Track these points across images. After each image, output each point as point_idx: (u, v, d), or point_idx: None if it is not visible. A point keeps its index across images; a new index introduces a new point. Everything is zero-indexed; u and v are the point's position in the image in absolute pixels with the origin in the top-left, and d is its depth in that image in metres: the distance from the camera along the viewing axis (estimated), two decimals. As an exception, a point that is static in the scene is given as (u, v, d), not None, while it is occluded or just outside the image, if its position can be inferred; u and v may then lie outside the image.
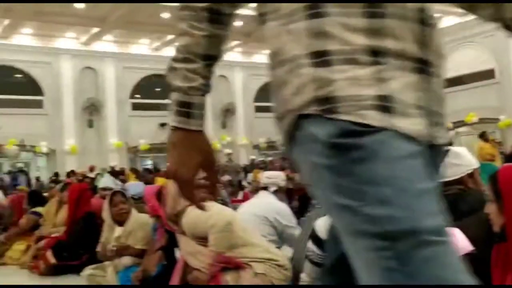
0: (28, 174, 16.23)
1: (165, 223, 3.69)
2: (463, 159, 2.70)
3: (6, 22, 17.21)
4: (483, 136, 11.19)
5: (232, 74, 23.39)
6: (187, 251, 3.49)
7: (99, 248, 4.77)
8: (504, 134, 18.37)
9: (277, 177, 4.68)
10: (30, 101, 19.25)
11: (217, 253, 3.30)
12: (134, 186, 5.85)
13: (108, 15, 17.19)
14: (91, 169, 17.15)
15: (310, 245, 2.85)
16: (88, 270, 4.75)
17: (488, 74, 19.73)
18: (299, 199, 7.55)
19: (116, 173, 15.71)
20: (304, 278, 2.88)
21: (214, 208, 3.59)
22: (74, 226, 5.77)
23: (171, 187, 3.68)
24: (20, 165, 16.28)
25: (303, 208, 6.71)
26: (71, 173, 15.85)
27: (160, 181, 7.82)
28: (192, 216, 3.48)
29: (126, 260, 4.52)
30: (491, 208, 1.83)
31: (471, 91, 19.19)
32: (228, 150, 15.14)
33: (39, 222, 6.67)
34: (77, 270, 5.08)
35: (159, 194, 3.71)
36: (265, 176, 4.66)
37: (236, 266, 3.35)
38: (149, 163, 20.70)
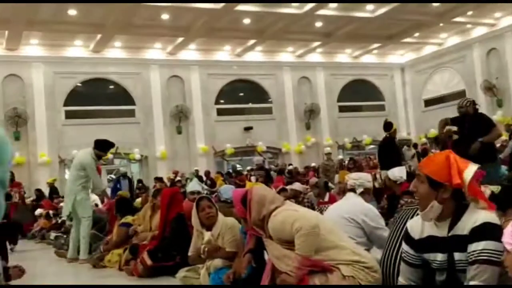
0: (131, 179, 16.94)
1: (251, 227, 3.74)
2: None
3: (98, 37, 18.23)
4: None
5: (314, 74, 23.29)
6: (274, 255, 3.51)
7: (190, 253, 4.93)
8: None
9: (364, 178, 4.63)
10: (123, 111, 20.26)
11: (304, 257, 3.30)
12: (227, 190, 5.93)
13: (191, 24, 17.71)
14: (175, 173, 17.74)
15: (404, 245, 2.82)
16: (182, 272, 4.95)
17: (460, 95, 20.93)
18: (387, 198, 7.39)
19: (199, 177, 16.20)
20: (401, 280, 2.84)
21: (300, 212, 3.61)
22: (167, 228, 6.02)
23: (255, 192, 3.74)
24: (122, 169, 17.05)
25: (392, 208, 6.57)
26: (156, 180, 16.49)
27: (248, 184, 7.90)
28: (277, 220, 3.51)
29: (217, 262, 4.66)
30: None
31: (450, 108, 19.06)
32: (328, 149, 14.91)
33: (131, 231, 6.95)
34: (172, 271, 5.32)
35: (245, 199, 3.76)
36: (352, 178, 4.62)
37: (323, 269, 3.34)
38: (234, 166, 21.07)
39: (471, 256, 2.42)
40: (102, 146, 7.93)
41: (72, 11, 15.74)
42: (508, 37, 20.14)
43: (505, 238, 2.04)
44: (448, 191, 2.53)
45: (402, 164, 8.69)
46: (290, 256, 3.37)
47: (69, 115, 19.21)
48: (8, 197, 8.71)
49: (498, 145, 10.48)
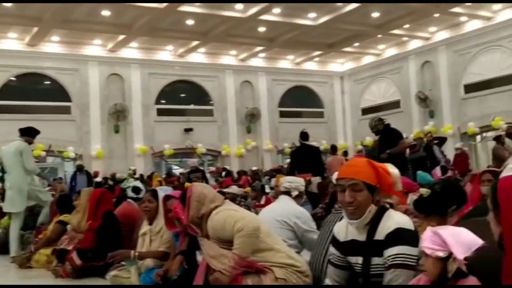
0: (90, 173, 16.57)
1: (187, 225, 3.72)
2: None
3: (35, 30, 17.58)
4: (498, 139, 11.14)
5: (256, 79, 23.44)
6: (210, 254, 3.51)
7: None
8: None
9: (298, 182, 4.70)
10: (59, 107, 19.59)
11: (241, 257, 3.33)
12: (164, 191, 5.92)
13: (133, 22, 17.40)
14: (95, 174, 17.40)
15: (331, 248, 2.88)
16: (113, 271, 4.85)
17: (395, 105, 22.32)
18: (330, 196, 7.50)
19: (141, 177, 15.96)
20: (327, 281, 2.89)
21: (241, 212, 3.63)
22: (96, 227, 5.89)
23: (195, 189, 3.74)
24: (79, 162, 16.46)
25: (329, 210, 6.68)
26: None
27: (187, 185, 7.87)
28: (219, 219, 3.52)
29: (149, 262, 4.61)
30: (490, 217, 1.82)
31: (498, 95, 18.76)
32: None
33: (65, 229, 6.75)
34: (103, 272, 5.19)
35: (183, 197, 3.75)
36: (286, 181, 4.68)
37: (257, 270, 3.38)
38: (170, 168, 20.90)
39: (386, 261, 2.49)
40: (30, 132, 7.90)
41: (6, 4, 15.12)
42: (441, 51, 20.99)
43: (425, 243, 2.09)
44: (379, 192, 2.63)
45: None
46: (227, 255, 3.39)
47: (1, 109, 18.37)
48: None
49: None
